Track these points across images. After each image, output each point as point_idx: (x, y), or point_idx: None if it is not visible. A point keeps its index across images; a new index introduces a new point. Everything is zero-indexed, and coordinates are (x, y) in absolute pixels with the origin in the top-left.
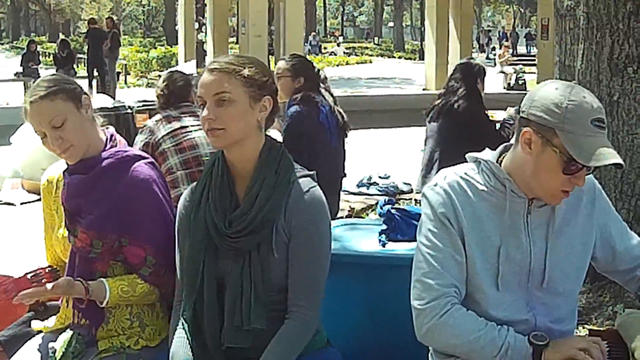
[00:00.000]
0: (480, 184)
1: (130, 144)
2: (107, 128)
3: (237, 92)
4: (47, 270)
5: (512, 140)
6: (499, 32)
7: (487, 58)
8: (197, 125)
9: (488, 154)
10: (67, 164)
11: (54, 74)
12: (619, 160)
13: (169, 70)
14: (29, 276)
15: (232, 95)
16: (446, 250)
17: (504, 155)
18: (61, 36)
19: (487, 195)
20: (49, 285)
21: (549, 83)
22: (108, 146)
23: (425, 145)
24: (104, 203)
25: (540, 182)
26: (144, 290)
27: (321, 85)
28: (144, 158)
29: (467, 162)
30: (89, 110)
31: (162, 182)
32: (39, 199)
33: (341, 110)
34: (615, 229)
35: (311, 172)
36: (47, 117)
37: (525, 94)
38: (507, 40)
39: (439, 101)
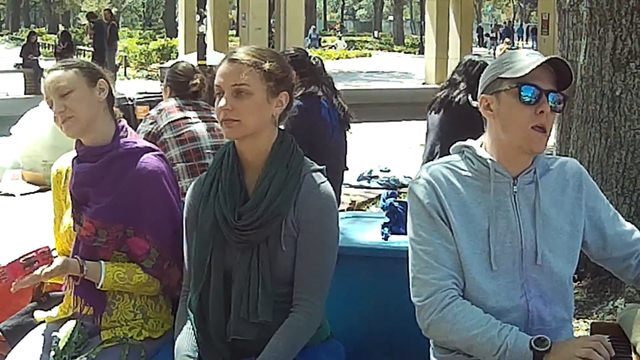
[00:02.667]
0: (464, 170)
1: None
2: (120, 120)
3: (256, 85)
4: (39, 253)
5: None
6: (497, 26)
7: (488, 53)
8: (199, 117)
9: (470, 142)
10: (77, 151)
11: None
12: (554, 56)
13: (185, 62)
14: (21, 260)
15: (251, 88)
16: (437, 243)
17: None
18: (61, 28)
19: (471, 180)
20: (44, 271)
21: None
22: (118, 136)
23: (426, 138)
24: (111, 193)
25: (510, 130)
26: (142, 280)
27: (319, 75)
28: (154, 150)
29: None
30: (102, 93)
31: (171, 174)
32: (39, 190)
33: (342, 103)
34: (605, 214)
35: (321, 167)
36: (56, 84)
37: None
38: (508, 36)
39: (440, 93)
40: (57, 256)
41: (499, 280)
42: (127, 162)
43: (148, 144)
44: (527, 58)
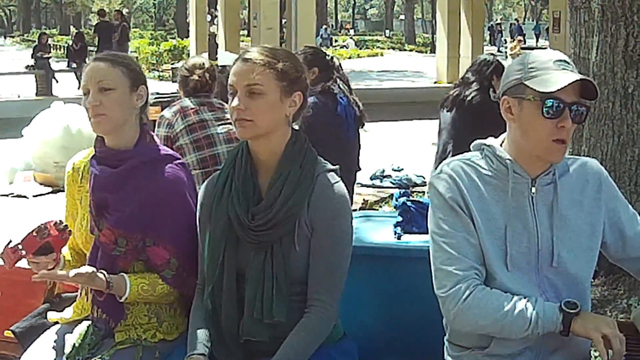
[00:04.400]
0: (484, 168)
1: None
2: (145, 124)
3: (269, 85)
4: (52, 224)
5: None
6: (511, 24)
7: (499, 51)
8: (215, 119)
9: (491, 140)
10: (96, 150)
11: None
12: (585, 77)
13: (203, 55)
14: (34, 233)
15: (264, 88)
16: (459, 235)
17: (504, 140)
18: (72, 29)
19: (490, 178)
20: (72, 272)
21: None
22: (141, 142)
23: (438, 137)
24: (132, 202)
25: (530, 140)
26: (164, 291)
27: (335, 73)
28: (176, 158)
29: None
30: (140, 100)
31: (191, 184)
32: (51, 192)
33: (357, 100)
34: (625, 215)
35: (335, 167)
36: (100, 77)
37: None
38: (520, 34)
39: (453, 91)
40: (70, 230)
41: (516, 278)
42: (149, 172)
43: (170, 152)
44: (555, 72)
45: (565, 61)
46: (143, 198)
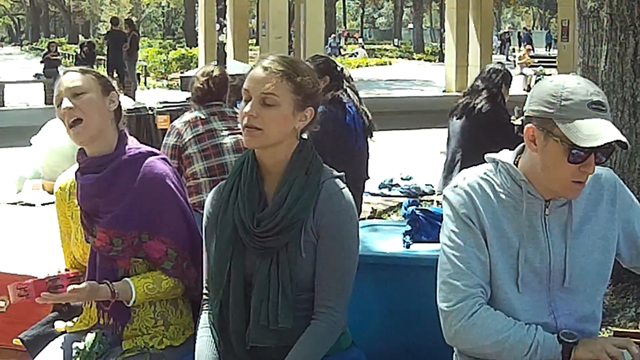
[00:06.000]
0: (499, 185)
1: (152, 145)
2: (122, 129)
3: (285, 97)
4: (67, 277)
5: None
6: (519, 33)
7: (507, 60)
8: (226, 128)
9: (506, 155)
10: (79, 162)
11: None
12: (620, 137)
13: (212, 63)
14: (47, 281)
15: (279, 99)
16: (470, 250)
17: (520, 156)
18: (81, 38)
19: (505, 196)
20: (69, 288)
21: (546, 78)
22: (121, 144)
23: (447, 145)
24: (121, 201)
25: (551, 176)
26: (170, 285)
27: (346, 83)
28: (156, 154)
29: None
30: (112, 104)
31: (175, 176)
32: None
33: (366, 110)
34: (639, 223)
35: (340, 174)
36: (71, 83)
37: None
38: (528, 43)
39: (462, 100)
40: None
41: (526, 298)
42: (133, 169)
43: (150, 149)
44: (589, 120)
45: (601, 103)
46: (131, 195)
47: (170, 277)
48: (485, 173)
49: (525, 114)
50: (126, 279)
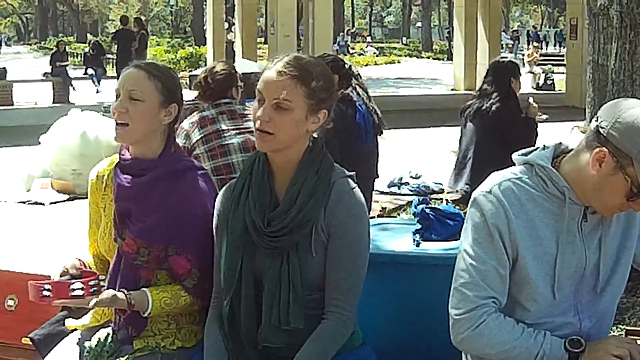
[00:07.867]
0: (536, 190)
1: None
2: (171, 136)
3: (298, 102)
4: (88, 285)
5: (570, 144)
6: (528, 31)
7: (516, 57)
8: (233, 128)
9: (540, 157)
10: (120, 159)
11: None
12: None
13: (220, 61)
14: (70, 287)
15: (292, 105)
16: (490, 263)
17: (558, 159)
18: (90, 37)
19: (542, 201)
20: (92, 302)
21: (636, 105)
22: (165, 152)
23: (459, 143)
24: (156, 212)
25: (600, 199)
26: (187, 302)
27: (355, 81)
28: (199, 169)
29: (511, 163)
30: (167, 117)
31: (213, 194)
32: (68, 199)
33: (376, 107)
34: None
35: (351, 173)
36: (132, 85)
37: (554, 93)
38: (536, 41)
39: (473, 102)
40: (103, 286)
41: (557, 303)
42: (172, 182)
43: (193, 162)
44: None
45: None
46: (166, 209)
47: (190, 295)
48: (519, 178)
49: (601, 130)
50: (145, 289)
